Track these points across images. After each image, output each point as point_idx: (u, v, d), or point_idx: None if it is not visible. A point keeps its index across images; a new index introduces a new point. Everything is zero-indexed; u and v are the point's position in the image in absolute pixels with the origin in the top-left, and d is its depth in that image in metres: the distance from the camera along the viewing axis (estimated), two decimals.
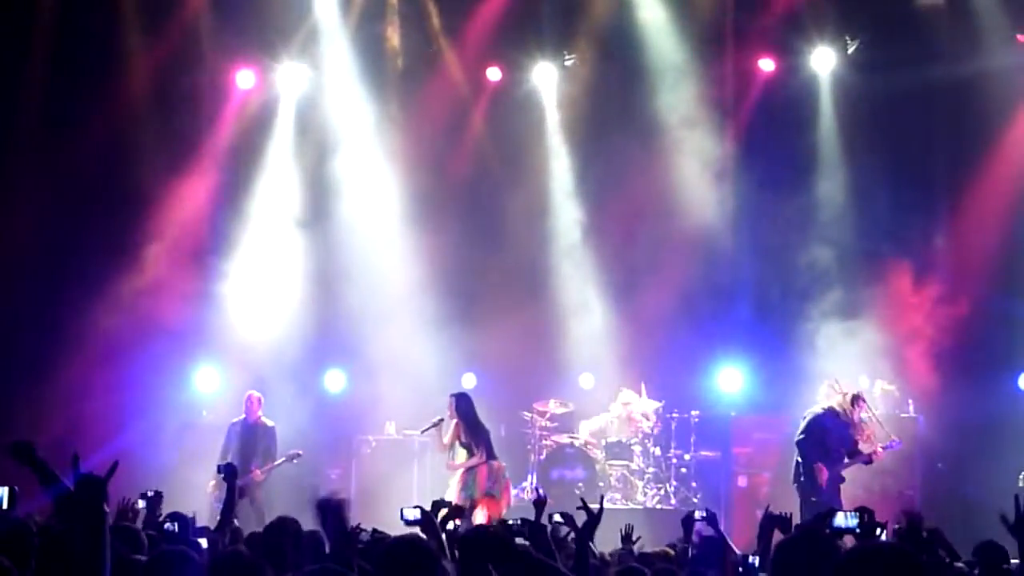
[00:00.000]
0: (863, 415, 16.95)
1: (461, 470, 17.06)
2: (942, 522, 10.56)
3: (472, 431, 17.24)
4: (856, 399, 16.88)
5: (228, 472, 11.16)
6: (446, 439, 17.35)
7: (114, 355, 20.06)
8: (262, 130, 22.11)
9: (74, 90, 20.43)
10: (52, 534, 6.62)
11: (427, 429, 17.96)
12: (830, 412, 16.80)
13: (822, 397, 17.25)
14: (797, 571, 5.35)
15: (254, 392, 18.97)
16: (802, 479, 16.64)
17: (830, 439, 16.67)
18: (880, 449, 17.08)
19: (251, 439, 18.63)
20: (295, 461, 18.58)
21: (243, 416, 18.80)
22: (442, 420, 17.47)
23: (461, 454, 17.23)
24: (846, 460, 16.79)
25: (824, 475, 16.46)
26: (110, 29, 20.78)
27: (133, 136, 20.83)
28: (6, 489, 6.86)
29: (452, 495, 16.53)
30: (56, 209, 20.47)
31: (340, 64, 21.95)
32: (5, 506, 6.87)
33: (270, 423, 18.79)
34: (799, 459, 16.77)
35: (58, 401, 19.42)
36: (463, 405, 17.36)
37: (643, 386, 20.41)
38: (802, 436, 16.78)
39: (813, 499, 16.30)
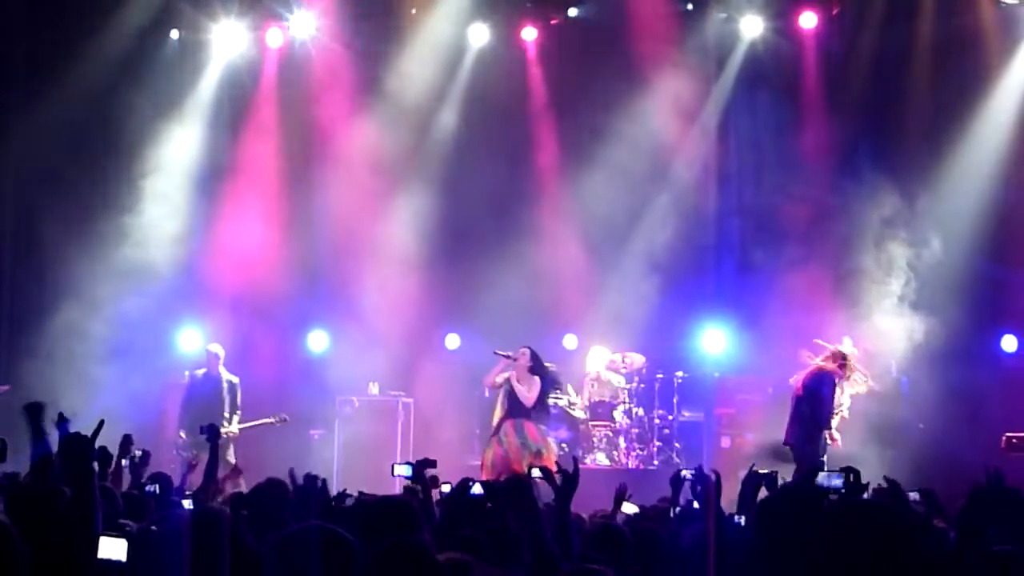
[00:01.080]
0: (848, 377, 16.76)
1: (508, 422, 17.96)
2: (925, 484, 10.56)
3: (533, 382, 18.20)
4: (841, 359, 16.62)
5: (211, 434, 11.15)
6: (499, 379, 18.25)
7: (96, 313, 20.06)
8: (246, 86, 22.05)
9: (56, 44, 20.35)
10: (27, 493, 6.44)
11: (501, 355, 18.43)
12: (828, 375, 16.52)
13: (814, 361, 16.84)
14: (781, 528, 5.34)
15: (213, 346, 19.11)
16: (796, 442, 16.33)
17: (828, 403, 16.41)
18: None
19: (211, 393, 18.75)
20: (278, 424, 18.59)
21: (204, 370, 18.97)
22: (512, 358, 18.17)
23: (500, 397, 18.33)
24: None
25: (835, 443, 16.27)
26: None
27: (116, 92, 20.77)
28: None
29: (505, 437, 17.83)
30: (38, 164, 20.42)
31: (325, 21, 21.85)
32: None
33: (234, 379, 18.91)
34: (800, 422, 16.39)
35: (39, 354, 19.42)
36: (536, 357, 18.33)
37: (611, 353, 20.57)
38: (810, 400, 16.33)
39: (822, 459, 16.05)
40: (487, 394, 19.38)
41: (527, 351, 18.25)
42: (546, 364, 19.72)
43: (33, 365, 19.23)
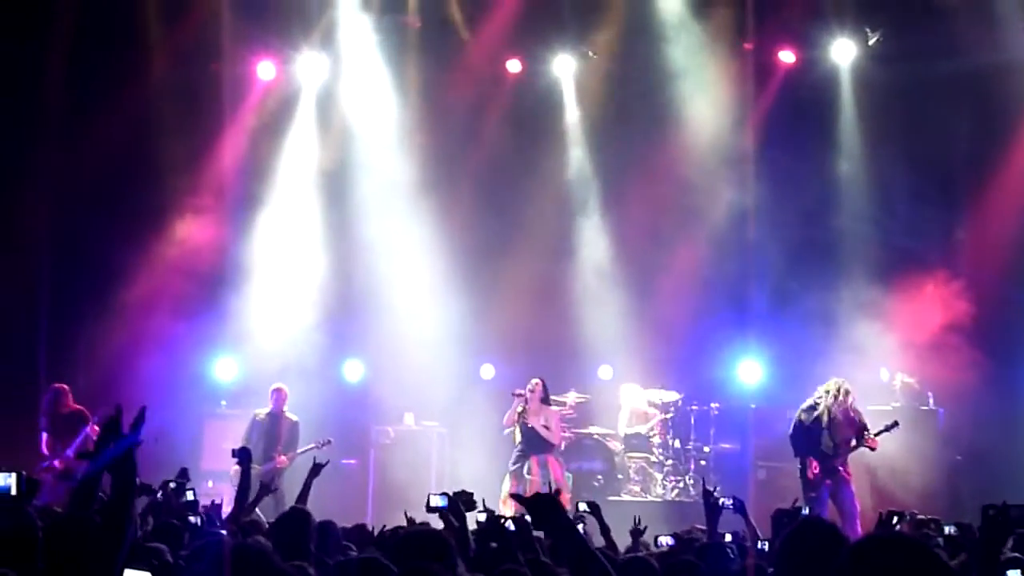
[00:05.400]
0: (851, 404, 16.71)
1: (532, 458, 18.21)
2: (963, 516, 10.51)
3: (549, 414, 18.58)
4: (840, 392, 16.67)
5: (243, 457, 11.21)
6: (516, 417, 18.46)
7: (135, 345, 20.15)
8: (282, 120, 22.13)
9: (94, 80, 20.49)
10: (60, 526, 6.26)
11: (516, 394, 18.56)
12: (812, 406, 16.72)
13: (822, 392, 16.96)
14: (804, 561, 5.32)
15: (281, 385, 18.99)
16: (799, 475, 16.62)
17: (819, 432, 16.51)
18: (874, 436, 16.67)
19: (275, 430, 18.64)
20: (323, 448, 18.37)
21: (268, 408, 18.82)
22: (523, 396, 18.42)
23: (516, 435, 18.41)
24: (842, 450, 16.52)
25: (814, 469, 16.34)
26: (131, 17, 20.76)
27: (154, 127, 20.83)
28: (14, 476, 6.26)
29: (529, 475, 18.05)
30: (77, 198, 20.55)
31: (360, 54, 21.94)
32: (13, 493, 6.26)
33: (294, 418, 18.78)
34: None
35: (78, 390, 19.45)
36: (545, 388, 18.65)
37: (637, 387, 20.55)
38: (790, 432, 16.81)
39: (812, 494, 16.17)
40: (505, 432, 19.32)
41: (539, 382, 18.55)
42: (580, 396, 19.77)
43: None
